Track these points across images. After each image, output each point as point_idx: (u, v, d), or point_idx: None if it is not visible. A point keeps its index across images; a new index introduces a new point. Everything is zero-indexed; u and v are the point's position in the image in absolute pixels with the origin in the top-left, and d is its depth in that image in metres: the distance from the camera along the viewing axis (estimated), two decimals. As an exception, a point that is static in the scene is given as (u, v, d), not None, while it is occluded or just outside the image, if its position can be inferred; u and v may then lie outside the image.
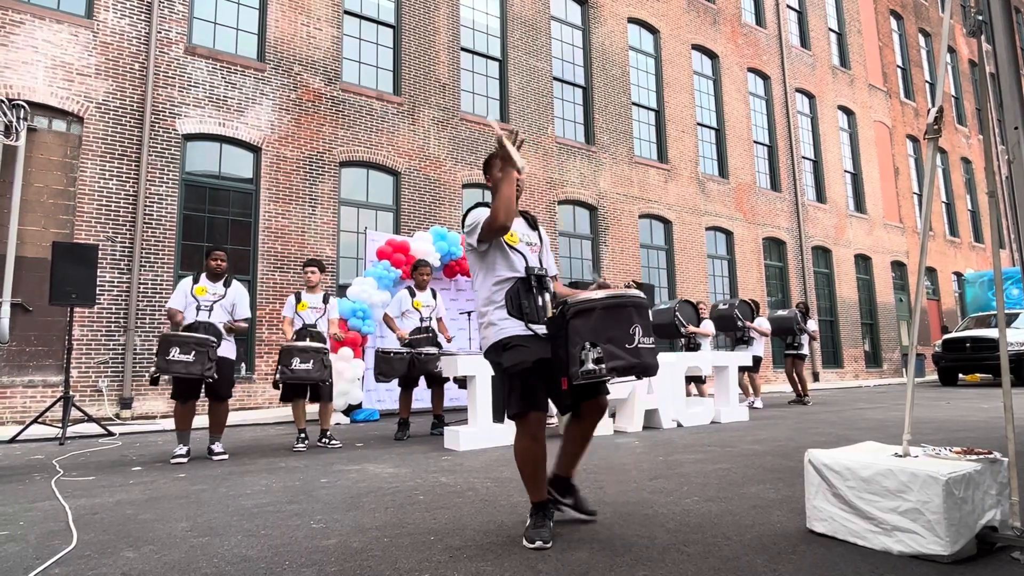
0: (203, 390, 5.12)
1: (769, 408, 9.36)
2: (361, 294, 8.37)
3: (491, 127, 2.74)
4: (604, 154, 13.79)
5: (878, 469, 2.38)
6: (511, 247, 2.77)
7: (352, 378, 7.91)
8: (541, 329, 2.67)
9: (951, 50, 25.06)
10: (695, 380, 9.40)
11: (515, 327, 2.67)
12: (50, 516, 3.17)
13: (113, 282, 8.23)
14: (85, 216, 8.15)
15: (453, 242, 9.43)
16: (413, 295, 6.58)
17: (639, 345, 2.50)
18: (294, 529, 2.82)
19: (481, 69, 12.42)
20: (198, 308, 5.14)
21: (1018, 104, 2.35)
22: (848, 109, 20.14)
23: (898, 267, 20.98)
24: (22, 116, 7.72)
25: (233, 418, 7.23)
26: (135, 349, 8.26)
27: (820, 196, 18.71)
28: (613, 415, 6.67)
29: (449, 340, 6.88)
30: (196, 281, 5.24)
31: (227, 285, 5.31)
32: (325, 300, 6.01)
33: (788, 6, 19.02)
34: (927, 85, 23.83)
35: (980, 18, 2.54)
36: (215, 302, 5.20)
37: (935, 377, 16.63)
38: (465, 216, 2.84)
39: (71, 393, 6.59)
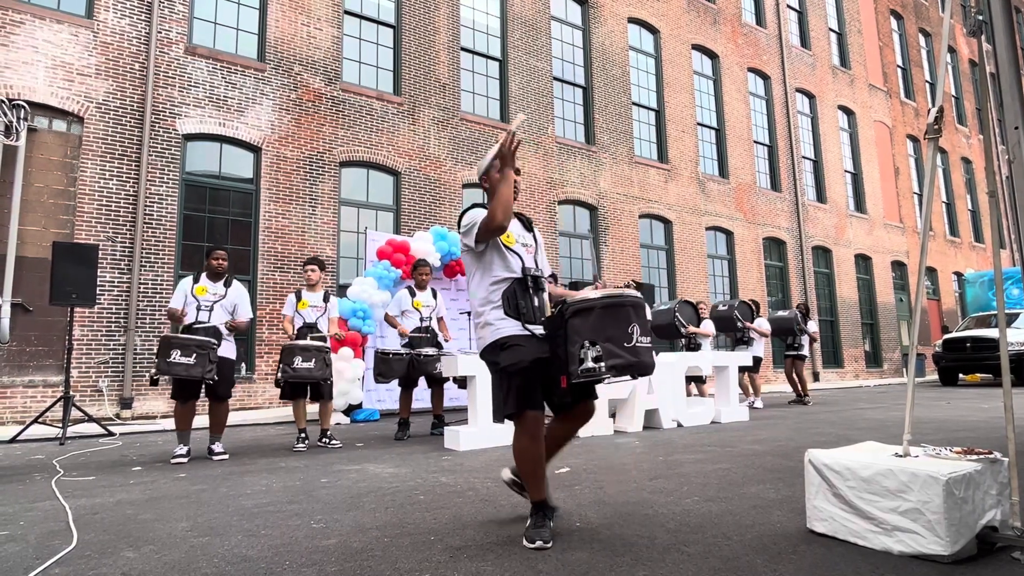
0: (203, 390, 5.12)
1: (769, 408, 9.36)
2: (361, 294, 8.37)
3: (510, 127, 2.76)
4: (604, 154, 13.79)
5: (878, 469, 2.38)
6: (508, 248, 2.78)
7: (352, 378, 7.90)
8: (538, 329, 2.69)
9: (951, 50, 25.05)
10: (695, 380, 9.40)
11: (512, 327, 2.68)
12: (50, 516, 3.17)
13: (113, 282, 8.24)
14: (85, 216, 8.16)
15: (453, 242, 9.42)
16: (413, 295, 6.58)
17: (637, 344, 2.53)
18: (294, 529, 2.82)
19: (481, 69, 12.42)
20: (198, 308, 5.13)
21: (1018, 104, 2.35)
22: (848, 109, 20.13)
23: (898, 267, 20.98)
24: (22, 116, 7.72)
25: (233, 418, 7.23)
26: (135, 349, 8.26)
27: (820, 196, 18.71)
28: (613, 415, 6.66)
29: (449, 340, 6.88)
30: (196, 281, 5.24)
31: (227, 285, 5.30)
32: (325, 298, 6.01)
33: (788, 6, 19.01)
34: (927, 85, 23.82)
35: (980, 18, 2.54)
36: (215, 302, 5.19)
37: (935, 377, 16.63)
38: (461, 216, 2.85)
39: (71, 393, 6.59)
